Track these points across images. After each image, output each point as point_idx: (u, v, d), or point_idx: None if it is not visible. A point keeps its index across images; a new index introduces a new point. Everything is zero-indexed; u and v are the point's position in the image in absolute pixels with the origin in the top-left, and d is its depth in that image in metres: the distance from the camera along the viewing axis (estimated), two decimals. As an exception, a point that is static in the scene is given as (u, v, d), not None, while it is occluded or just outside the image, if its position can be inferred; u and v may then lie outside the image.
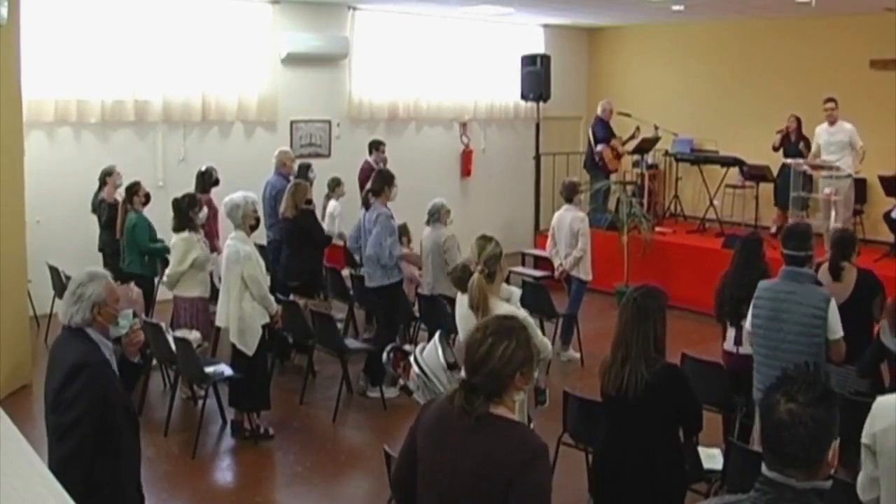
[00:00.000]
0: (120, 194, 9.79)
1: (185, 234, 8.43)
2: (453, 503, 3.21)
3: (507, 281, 6.27)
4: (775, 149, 12.94)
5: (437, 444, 3.28)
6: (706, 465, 5.58)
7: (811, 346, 5.60)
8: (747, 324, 6.09)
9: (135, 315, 4.50)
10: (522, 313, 5.21)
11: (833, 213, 11.68)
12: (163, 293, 9.54)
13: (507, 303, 5.38)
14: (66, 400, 3.99)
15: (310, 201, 9.42)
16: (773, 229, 12.87)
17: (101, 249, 10.10)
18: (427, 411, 3.43)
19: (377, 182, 8.88)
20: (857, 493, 3.92)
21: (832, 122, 11.85)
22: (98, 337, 4.18)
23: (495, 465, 3.09)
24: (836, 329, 5.67)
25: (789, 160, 12.47)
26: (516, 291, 5.75)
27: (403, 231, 9.93)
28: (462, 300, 5.57)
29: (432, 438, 3.32)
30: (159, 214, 9.45)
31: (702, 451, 5.68)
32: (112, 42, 11.53)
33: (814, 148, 12.15)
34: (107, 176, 10.08)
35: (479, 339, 3.19)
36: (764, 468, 2.50)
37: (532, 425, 4.98)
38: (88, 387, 4.00)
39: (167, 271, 8.47)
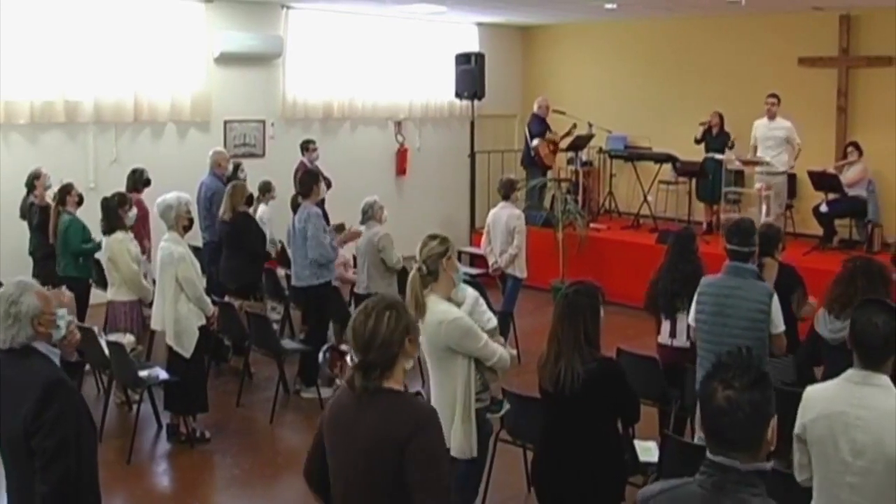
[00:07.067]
0: (50, 196, 9.60)
1: (119, 234, 8.29)
2: (354, 481, 3.34)
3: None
4: (697, 141, 13.16)
5: (335, 428, 3.42)
6: (642, 457, 5.64)
7: (756, 341, 5.63)
8: (690, 318, 6.11)
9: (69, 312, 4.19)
10: (466, 318, 5.06)
11: (764, 208, 11.87)
12: (95, 297, 9.38)
13: (457, 307, 5.13)
14: (48, 422, 3.60)
15: (249, 201, 9.34)
16: (705, 225, 13.07)
17: (31, 253, 9.86)
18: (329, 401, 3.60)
19: (304, 183, 8.90)
20: (790, 481, 4.00)
21: (771, 117, 12.03)
22: (47, 349, 3.85)
23: (386, 438, 3.22)
24: (779, 323, 5.76)
25: (718, 155, 12.68)
26: (472, 294, 5.39)
27: (341, 230, 9.89)
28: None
29: (331, 424, 3.45)
30: (92, 216, 9.26)
31: (637, 444, 5.74)
32: (41, 41, 11.26)
33: (752, 141, 12.32)
34: (34, 179, 9.83)
35: (363, 319, 3.32)
36: (708, 453, 2.58)
37: None
38: (68, 405, 3.71)
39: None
